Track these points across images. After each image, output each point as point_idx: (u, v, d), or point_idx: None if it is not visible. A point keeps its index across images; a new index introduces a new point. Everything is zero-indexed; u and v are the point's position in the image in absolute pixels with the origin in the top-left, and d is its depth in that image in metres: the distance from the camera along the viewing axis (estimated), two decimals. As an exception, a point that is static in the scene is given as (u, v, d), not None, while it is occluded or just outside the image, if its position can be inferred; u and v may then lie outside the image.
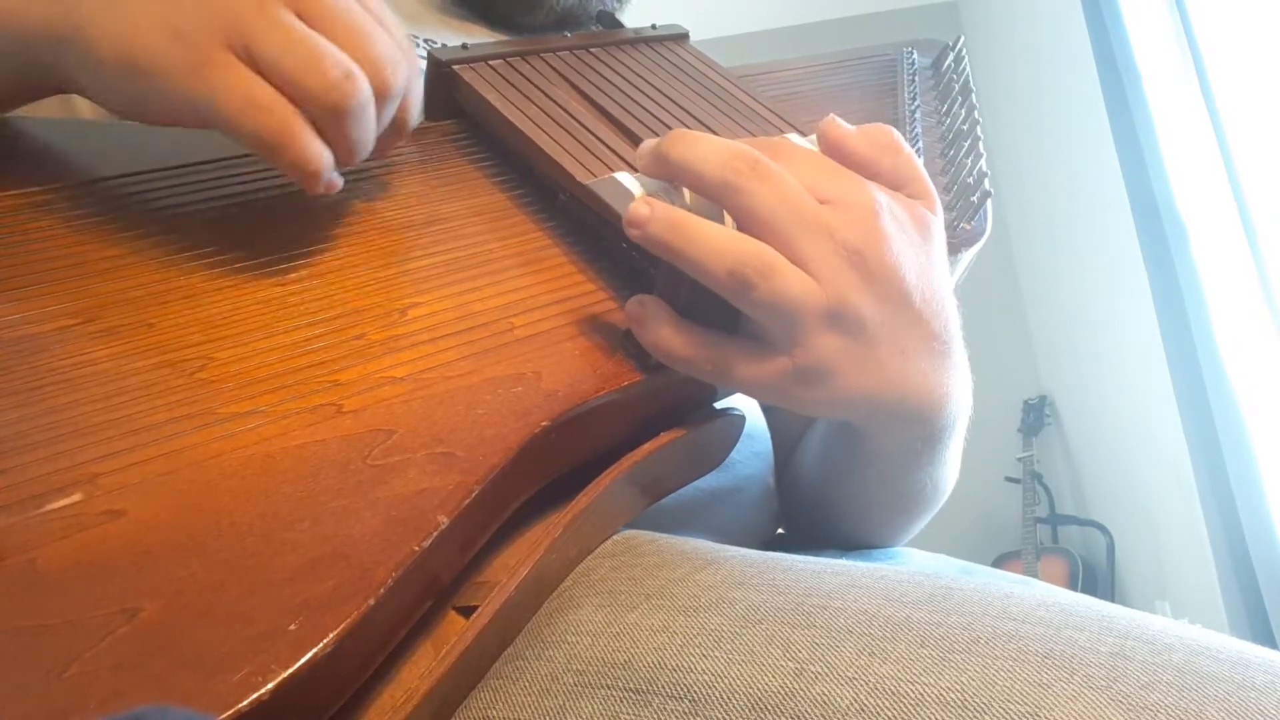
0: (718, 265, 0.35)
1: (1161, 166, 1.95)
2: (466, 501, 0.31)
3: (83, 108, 0.49)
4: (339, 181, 0.37)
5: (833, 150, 0.40)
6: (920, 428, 0.41)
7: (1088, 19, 2.17)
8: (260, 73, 0.34)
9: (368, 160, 0.39)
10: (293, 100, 0.34)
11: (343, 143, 0.36)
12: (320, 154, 0.35)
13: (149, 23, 0.34)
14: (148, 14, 0.34)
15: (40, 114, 0.43)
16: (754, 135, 0.50)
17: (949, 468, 0.47)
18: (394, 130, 0.40)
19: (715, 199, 0.37)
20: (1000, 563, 2.58)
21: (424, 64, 0.51)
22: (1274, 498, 1.74)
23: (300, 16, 0.35)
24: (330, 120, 0.35)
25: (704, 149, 0.36)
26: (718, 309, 0.37)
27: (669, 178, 0.38)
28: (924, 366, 0.39)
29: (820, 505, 0.53)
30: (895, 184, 0.40)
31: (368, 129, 0.36)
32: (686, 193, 0.39)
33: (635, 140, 0.47)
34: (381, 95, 0.37)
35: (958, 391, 0.41)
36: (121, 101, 0.36)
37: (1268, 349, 1.74)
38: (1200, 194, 1.87)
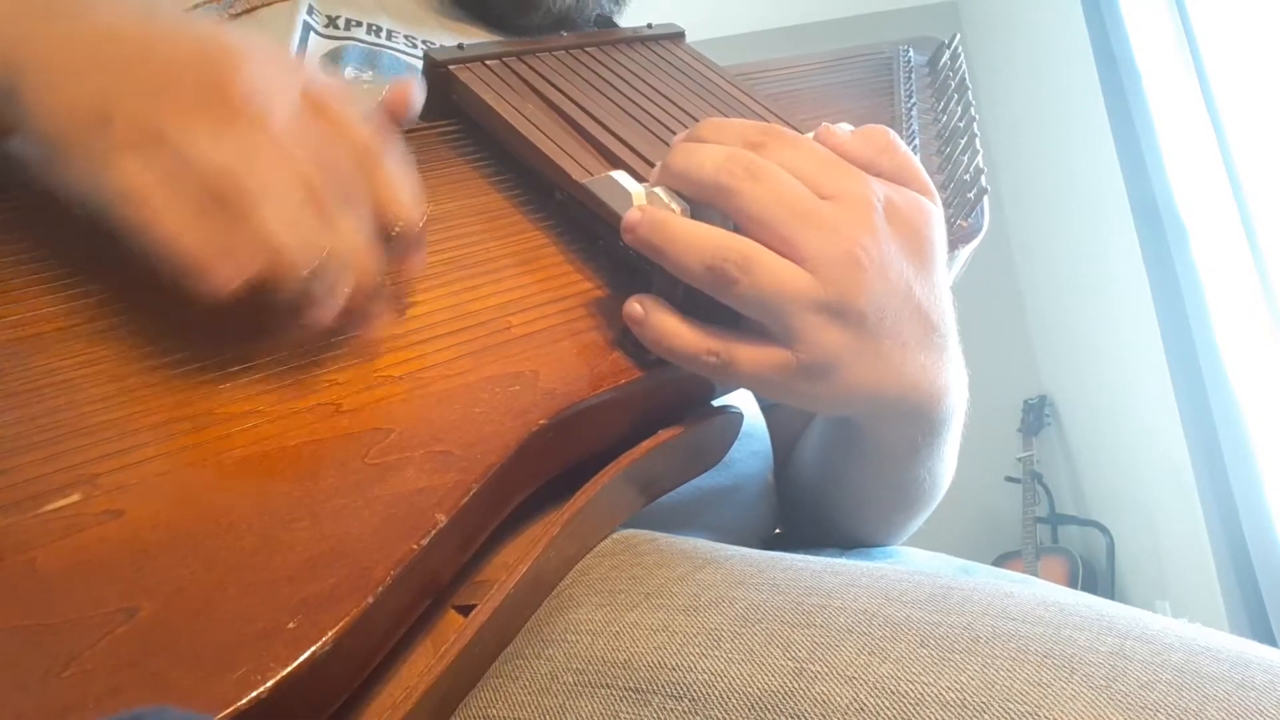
0: (695, 261, 0.36)
1: (1161, 166, 1.95)
2: (465, 500, 0.31)
3: None
4: (224, 276, 0.31)
5: None
6: (919, 421, 0.41)
7: (1088, 19, 2.17)
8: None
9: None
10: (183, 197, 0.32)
11: (229, 236, 0.31)
12: (183, 231, 0.31)
13: (86, 105, 0.32)
14: (88, 97, 0.33)
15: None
16: None
17: (946, 463, 0.47)
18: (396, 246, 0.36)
19: (712, 203, 0.37)
20: (1000, 562, 2.57)
21: (421, 65, 0.51)
22: (1274, 498, 1.74)
23: (222, 124, 0.33)
24: (206, 213, 0.31)
25: (700, 155, 0.37)
26: (716, 307, 0.37)
27: (673, 187, 0.39)
28: (923, 360, 0.39)
29: (819, 503, 0.53)
30: (896, 182, 0.40)
31: (248, 230, 0.31)
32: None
33: (632, 139, 0.47)
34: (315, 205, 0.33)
35: (955, 385, 0.41)
36: (48, 174, 0.33)
37: (1268, 349, 1.74)
38: (1200, 194, 1.88)
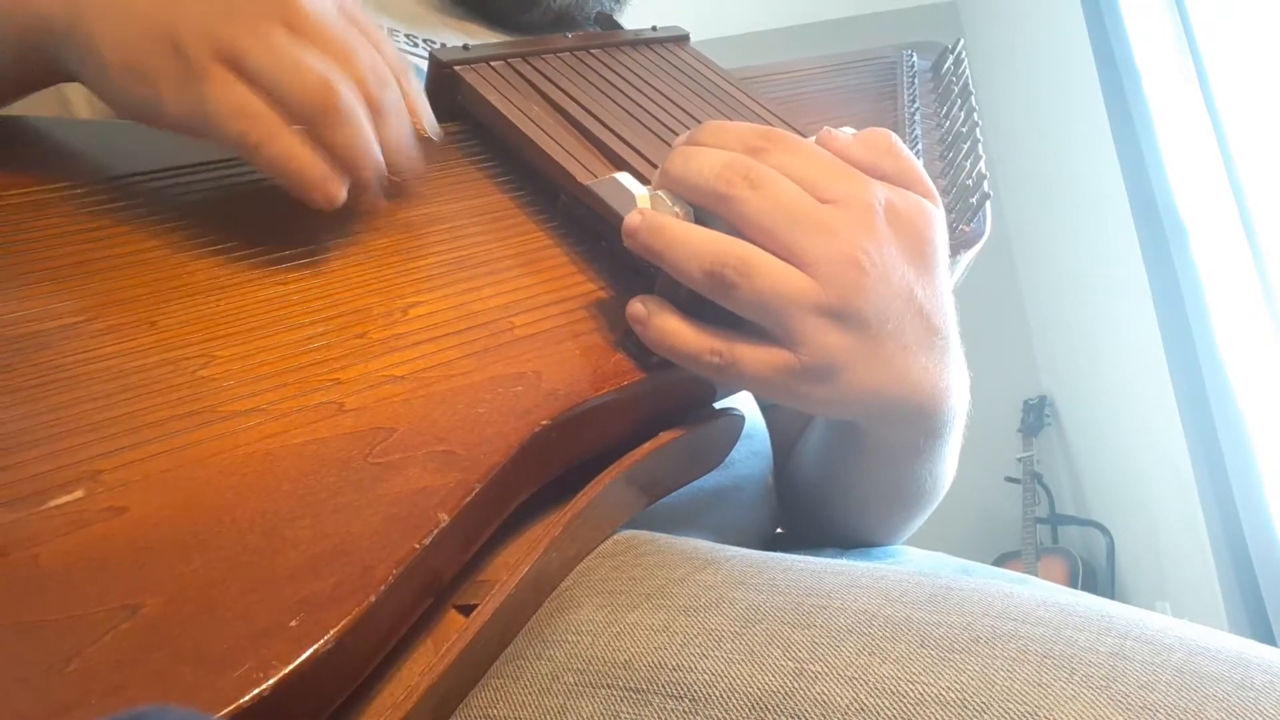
0: (694, 266, 0.36)
1: (1161, 166, 1.95)
2: (467, 500, 0.31)
3: (79, 108, 0.49)
4: (338, 190, 0.38)
5: None
6: (923, 423, 0.41)
7: (1088, 19, 2.17)
8: (249, 84, 0.35)
9: (393, 176, 0.41)
10: (280, 108, 0.36)
11: (336, 148, 0.37)
12: (301, 154, 0.36)
13: (151, 33, 0.35)
14: (149, 24, 0.35)
15: (38, 114, 0.43)
16: None
17: (948, 463, 0.47)
18: (404, 143, 0.41)
19: (711, 210, 0.37)
20: (1000, 563, 2.57)
21: (424, 64, 0.51)
22: (1274, 498, 1.74)
23: (292, 33, 0.36)
24: (315, 124, 0.36)
25: (698, 162, 0.37)
26: (719, 308, 0.37)
27: (672, 192, 0.39)
28: (925, 362, 0.39)
29: (820, 503, 0.53)
30: (898, 185, 0.40)
31: (357, 134, 0.37)
32: None
33: (636, 141, 0.48)
34: (371, 106, 0.38)
35: (957, 387, 0.41)
36: (123, 104, 0.37)
37: (1268, 349, 1.74)
38: (1200, 194, 1.87)
